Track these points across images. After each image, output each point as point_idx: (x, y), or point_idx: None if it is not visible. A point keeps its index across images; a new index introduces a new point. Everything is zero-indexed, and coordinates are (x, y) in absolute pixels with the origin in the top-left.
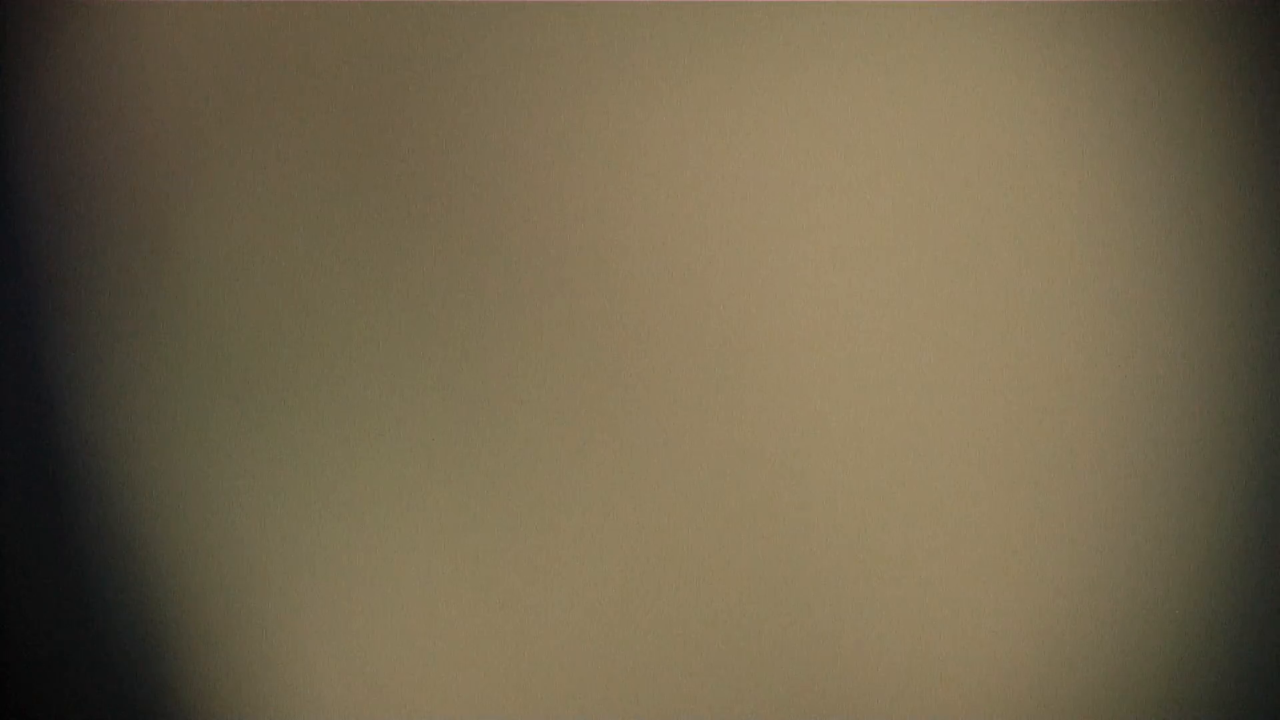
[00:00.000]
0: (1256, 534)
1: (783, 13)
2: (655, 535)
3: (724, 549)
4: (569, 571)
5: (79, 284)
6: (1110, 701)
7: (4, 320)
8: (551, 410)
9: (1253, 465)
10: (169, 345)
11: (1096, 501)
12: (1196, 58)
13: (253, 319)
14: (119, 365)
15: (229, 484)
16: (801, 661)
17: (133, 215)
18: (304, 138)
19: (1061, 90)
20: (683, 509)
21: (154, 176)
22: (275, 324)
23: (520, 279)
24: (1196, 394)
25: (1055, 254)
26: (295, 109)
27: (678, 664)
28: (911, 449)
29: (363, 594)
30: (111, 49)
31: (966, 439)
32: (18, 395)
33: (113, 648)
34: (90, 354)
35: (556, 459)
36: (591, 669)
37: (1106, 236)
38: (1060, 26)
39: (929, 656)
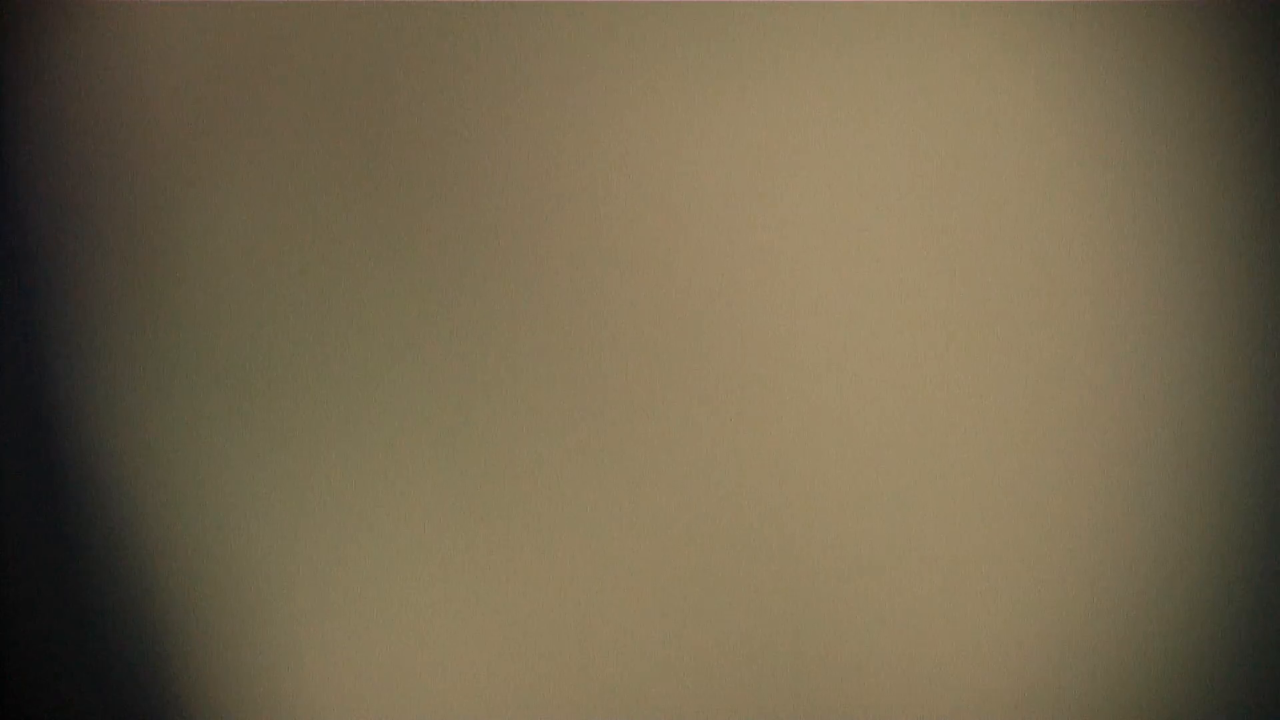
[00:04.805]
0: (1258, 534)
1: (780, 12)
2: (654, 536)
3: (722, 550)
4: (568, 573)
5: (79, 283)
6: (1110, 702)
7: (3, 320)
8: (551, 411)
9: (1254, 465)
10: (169, 345)
11: (1097, 504)
12: (1196, 58)
13: (252, 319)
14: (118, 364)
15: (227, 484)
16: (800, 662)
17: (133, 215)
18: (303, 138)
19: (1061, 90)
20: (681, 511)
21: (154, 176)
22: (274, 324)
23: (520, 280)
24: (1197, 393)
25: (1054, 255)
26: (294, 109)
27: (675, 665)
28: (910, 449)
29: (363, 595)
30: (111, 49)
31: (967, 440)
32: (17, 394)
33: (111, 648)
34: (90, 353)
35: (556, 460)
36: (590, 670)
37: (1106, 237)
38: (1060, 26)
39: (928, 657)
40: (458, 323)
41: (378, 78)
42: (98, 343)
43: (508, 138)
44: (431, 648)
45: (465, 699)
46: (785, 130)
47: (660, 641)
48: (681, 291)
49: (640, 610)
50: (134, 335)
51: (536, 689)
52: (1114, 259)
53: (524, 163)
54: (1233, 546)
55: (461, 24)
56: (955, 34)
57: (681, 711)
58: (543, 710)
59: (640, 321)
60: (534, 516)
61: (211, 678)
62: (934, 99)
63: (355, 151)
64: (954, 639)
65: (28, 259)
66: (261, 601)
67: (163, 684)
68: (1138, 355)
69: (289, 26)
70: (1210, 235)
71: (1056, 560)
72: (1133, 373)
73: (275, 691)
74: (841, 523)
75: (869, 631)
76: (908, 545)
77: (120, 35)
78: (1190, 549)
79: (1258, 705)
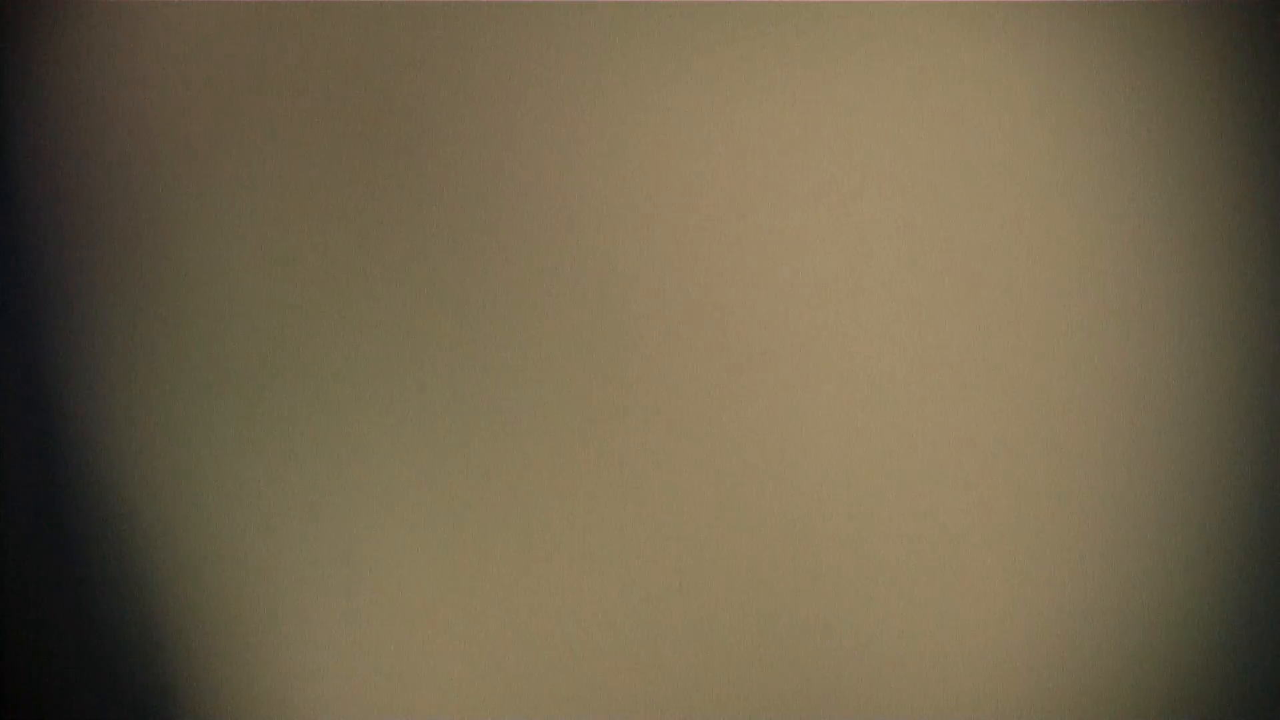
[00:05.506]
0: (1256, 534)
1: (783, 13)
2: (653, 533)
3: (720, 549)
4: (568, 571)
5: (79, 283)
6: (1109, 701)
7: (4, 320)
8: (552, 410)
9: (1253, 465)
10: (169, 345)
11: (1095, 502)
12: (1196, 58)
13: (252, 318)
14: (118, 365)
15: (228, 483)
16: (798, 661)
17: (132, 215)
18: (303, 137)
19: (1061, 90)
20: (680, 509)
21: (154, 175)
22: (274, 323)
23: (519, 280)
24: (1196, 393)
25: (1053, 255)
26: (294, 109)
27: (674, 663)
28: (909, 449)
29: (363, 593)
30: (111, 49)
31: (964, 439)
32: (17, 394)
33: (112, 647)
34: (90, 354)
35: (556, 459)
36: (590, 668)
37: (1105, 238)
38: (1060, 26)
39: (927, 656)
40: (461, 322)
41: (381, 78)
42: (98, 343)
43: (512, 138)
44: (434, 647)
45: (467, 698)
46: (787, 130)
47: (664, 642)
48: (683, 290)
49: (643, 611)
50: (135, 335)
51: (539, 689)
52: (1113, 258)
53: (528, 163)
54: (1233, 547)
55: (465, 24)
56: (955, 34)
57: (681, 709)
58: (545, 709)
59: (644, 320)
60: (538, 517)
61: (212, 678)
62: (934, 99)
63: (358, 152)
64: (954, 637)
65: (28, 259)
66: (262, 601)
67: (163, 684)
68: (1138, 354)
69: (290, 26)
70: (1209, 234)
71: (1058, 559)
72: (1133, 372)
73: (276, 691)
74: (845, 522)
75: (870, 630)
76: (910, 544)
77: (120, 35)
78: (1191, 548)
79: (1258, 705)
